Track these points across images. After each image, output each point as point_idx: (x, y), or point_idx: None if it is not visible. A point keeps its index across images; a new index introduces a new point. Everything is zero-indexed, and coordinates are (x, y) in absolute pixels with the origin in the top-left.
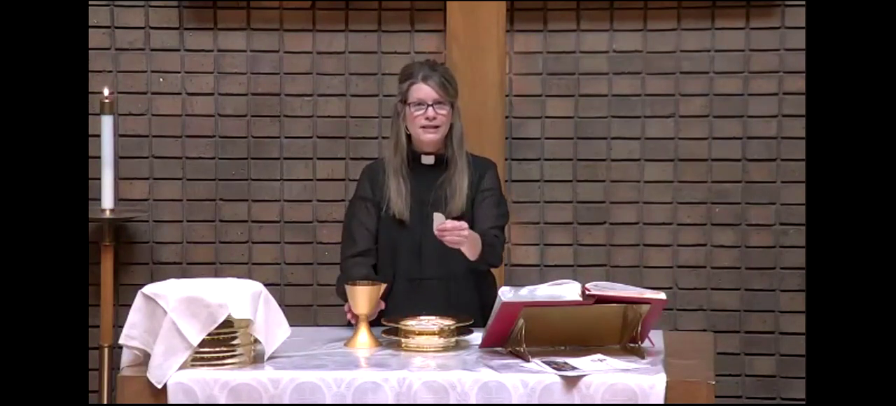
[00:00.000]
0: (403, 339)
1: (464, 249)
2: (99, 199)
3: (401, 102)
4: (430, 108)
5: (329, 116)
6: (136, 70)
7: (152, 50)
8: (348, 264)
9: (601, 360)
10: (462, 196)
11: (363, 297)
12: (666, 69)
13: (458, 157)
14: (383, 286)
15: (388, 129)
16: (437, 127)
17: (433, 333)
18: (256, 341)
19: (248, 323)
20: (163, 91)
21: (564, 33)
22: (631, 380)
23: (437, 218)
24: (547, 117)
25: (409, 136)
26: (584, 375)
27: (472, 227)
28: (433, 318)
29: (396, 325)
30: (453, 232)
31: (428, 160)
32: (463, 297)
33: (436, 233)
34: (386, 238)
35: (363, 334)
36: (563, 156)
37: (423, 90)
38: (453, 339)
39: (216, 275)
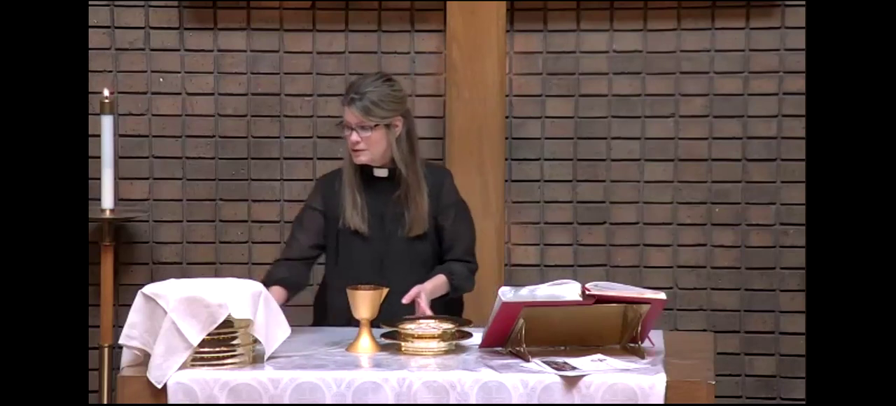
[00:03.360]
0: (403, 343)
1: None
2: (99, 199)
3: None
4: (354, 133)
5: (329, 116)
6: (136, 70)
7: (152, 50)
8: (275, 265)
9: (601, 360)
10: (422, 211)
11: (364, 302)
12: (666, 69)
13: (408, 172)
14: (385, 291)
15: None
16: (362, 150)
17: (433, 337)
18: (256, 341)
19: (248, 323)
20: (163, 91)
21: (564, 33)
22: (631, 380)
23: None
24: (547, 117)
25: None
26: (584, 375)
27: (440, 247)
28: (432, 321)
29: (396, 329)
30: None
31: (381, 173)
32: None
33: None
34: (345, 251)
35: (365, 339)
36: (563, 156)
37: (348, 114)
38: (453, 343)
39: (216, 275)
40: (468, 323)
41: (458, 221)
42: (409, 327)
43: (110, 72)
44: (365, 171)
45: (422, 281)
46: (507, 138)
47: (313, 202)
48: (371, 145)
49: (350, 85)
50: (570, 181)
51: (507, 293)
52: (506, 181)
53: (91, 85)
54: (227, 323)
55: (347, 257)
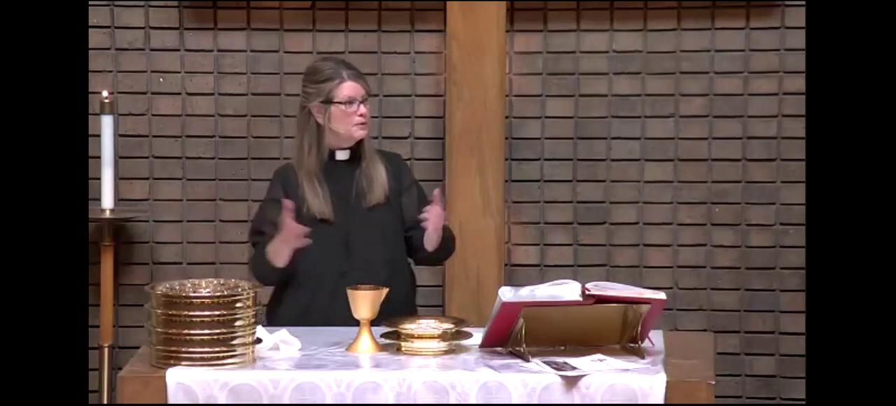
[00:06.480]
0: (403, 343)
1: (430, 238)
2: (99, 199)
3: (322, 102)
4: (362, 105)
5: None
6: (136, 70)
7: (152, 50)
8: (259, 247)
9: (601, 360)
10: (381, 186)
11: (364, 302)
12: (666, 69)
13: (369, 149)
14: (385, 291)
15: (384, 129)
16: (366, 122)
17: (433, 337)
18: (258, 340)
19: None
20: (163, 91)
21: (564, 33)
22: (631, 380)
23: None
24: (547, 117)
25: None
26: (584, 375)
27: (404, 222)
28: (432, 321)
29: (396, 329)
30: (436, 220)
31: (343, 155)
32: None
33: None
34: (311, 240)
35: (365, 339)
36: (563, 156)
37: (353, 88)
38: (453, 343)
39: (216, 275)
40: (466, 323)
41: (422, 199)
42: (409, 327)
43: (110, 72)
44: (329, 157)
45: (389, 252)
46: (507, 138)
47: (277, 194)
48: (368, 117)
49: (333, 65)
50: (570, 181)
51: (507, 293)
52: (506, 181)
53: (91, 85)
54: (228, 322)
55: (313, 245)
